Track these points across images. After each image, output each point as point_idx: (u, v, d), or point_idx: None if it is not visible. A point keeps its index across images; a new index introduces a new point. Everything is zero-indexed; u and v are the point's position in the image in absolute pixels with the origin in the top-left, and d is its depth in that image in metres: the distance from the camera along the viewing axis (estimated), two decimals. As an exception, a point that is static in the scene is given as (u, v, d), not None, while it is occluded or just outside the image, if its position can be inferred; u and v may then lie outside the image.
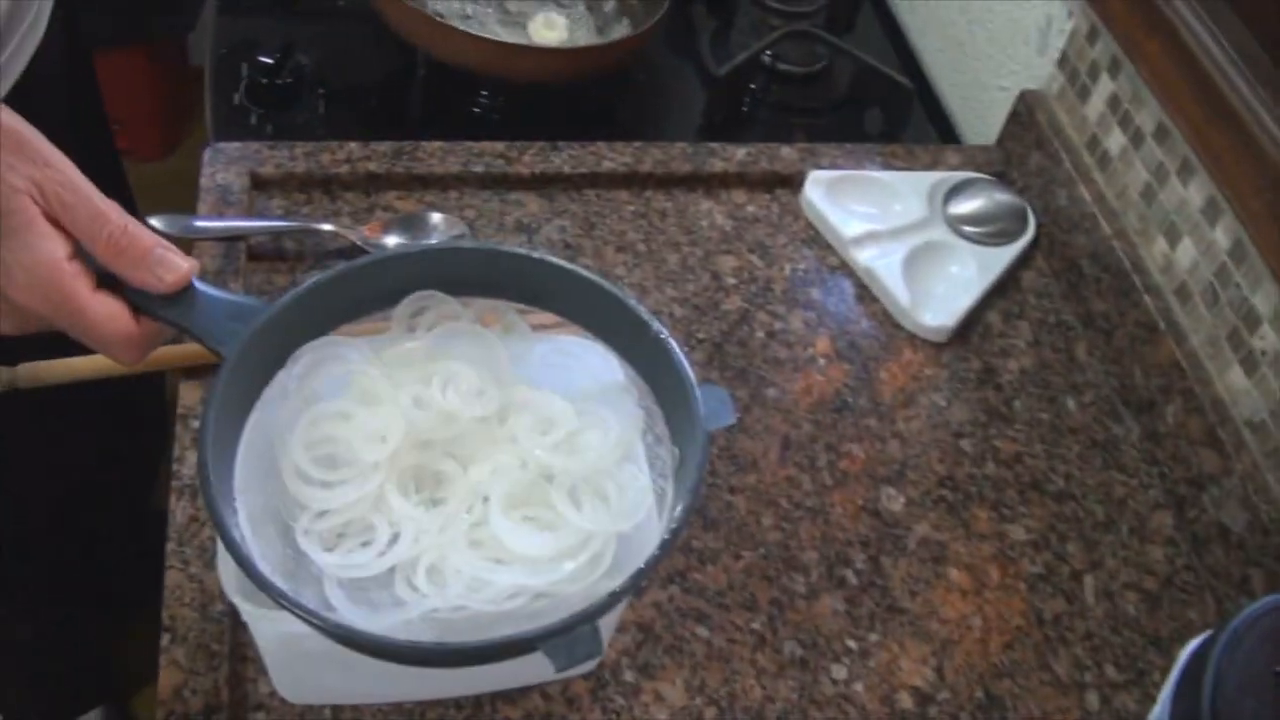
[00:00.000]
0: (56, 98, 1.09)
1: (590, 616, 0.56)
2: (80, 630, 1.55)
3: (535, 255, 0.70)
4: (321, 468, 0.65)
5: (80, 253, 0.62)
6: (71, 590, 1.51)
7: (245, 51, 1.19)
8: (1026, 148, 1.16)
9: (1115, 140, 1.07)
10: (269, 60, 1.17)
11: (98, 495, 1.56)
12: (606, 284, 0.69)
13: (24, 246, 0.60)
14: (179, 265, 0.64)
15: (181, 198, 1.13)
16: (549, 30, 1.25)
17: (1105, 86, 1.08)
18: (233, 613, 0.79)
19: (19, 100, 0.95)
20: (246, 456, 0.64)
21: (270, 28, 1.27)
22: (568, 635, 0.55)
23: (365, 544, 0.63)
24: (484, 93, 1.22)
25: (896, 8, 1.44)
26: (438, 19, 1.15)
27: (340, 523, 0.64)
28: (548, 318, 0.72)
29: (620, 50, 1.20)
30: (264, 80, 1.17)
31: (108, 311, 0.63)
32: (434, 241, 1.02)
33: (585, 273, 0.69)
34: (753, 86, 1.29)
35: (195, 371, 0.91)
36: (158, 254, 0.63)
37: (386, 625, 0.59)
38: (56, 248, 0.61)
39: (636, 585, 0.59)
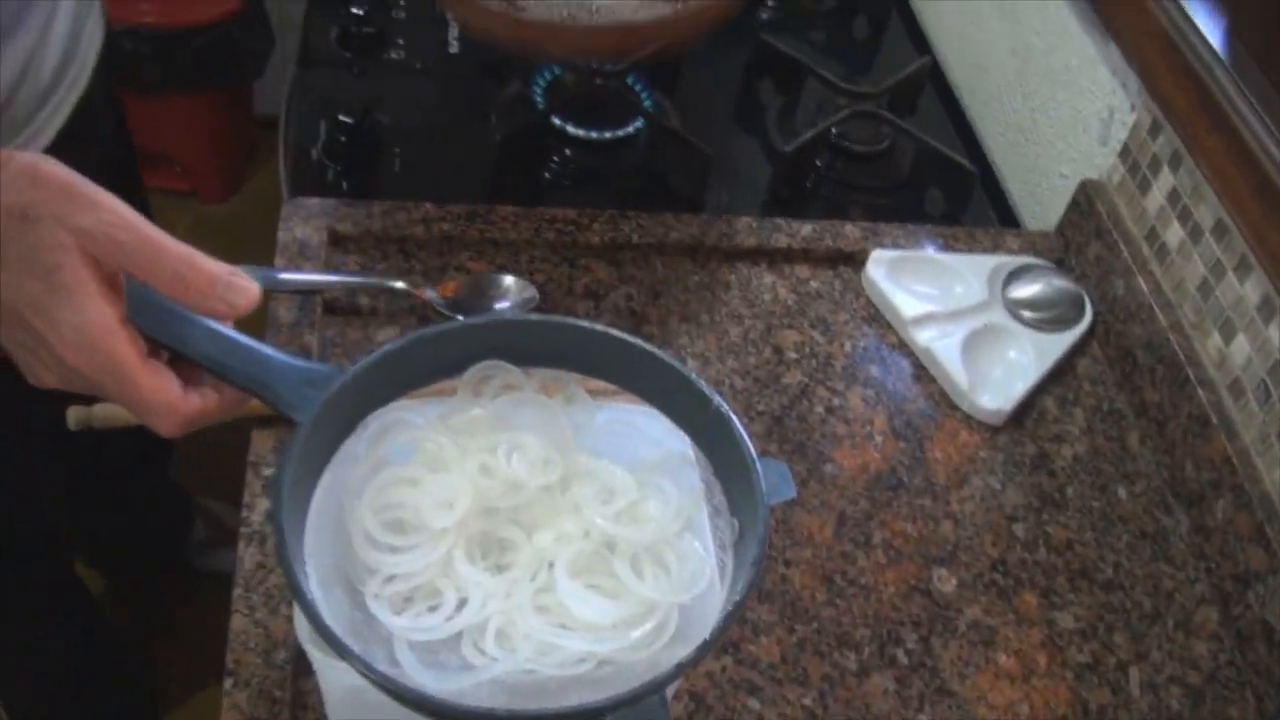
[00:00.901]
0: (96, 145, 1.11)
1: (658, 686, 0.58)
2: (89, 640, 1.57)
3: (598, 329, 0.72)
4: (390, 533, 0.67)
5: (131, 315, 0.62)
6: (75, 597, 1.54)
7: (325, 109, 1.22)
8: (1086, 236, 1.17)
9: (1174, 234, 1.08)
10: (349, 120, 1.21)
11: (98, 498, 1.58)
12: (667, 357, 0.71)
13: (73, 306, 0.59)
14: (248, 288, 0.63)
15: (243, 240, 1.16)
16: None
17: (1165, 180, 1.10)
18: (295, 660, 0.81)
19: (59, 149, 0.98)
20: (316, 520, 0.66)
21: (348, 84, 1.30)
22: (636, 705, 0.57)
23: (433, 608, 0.65)
24: (554, 159, 1.26)
25: (959, 92, 1.46)
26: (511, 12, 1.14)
27: (409, 587, 0.65)
28: (609, 384, 0.74)
29: (702, 19, 1.16)
30: (343, 139, 1.21)
31: (156, 383, 0.62)
32: (505, 304, 1.05)
33: (646, 346, 0.71)
34: (818, 163, 1.31)
35: (267, 420, 0.94)
36: (225, 281, 0.62)
37: (456, 688, 0.61)
38: (108, 310, 0.60)
39: (702, 657, 0.60)
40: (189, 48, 2.18)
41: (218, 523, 1.87)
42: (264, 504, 0.89)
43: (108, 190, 0.61)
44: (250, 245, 1.08)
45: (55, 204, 0.59)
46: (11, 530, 1.31)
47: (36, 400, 0.73)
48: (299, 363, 0.67)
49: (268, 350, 0.67)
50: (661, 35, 1.14)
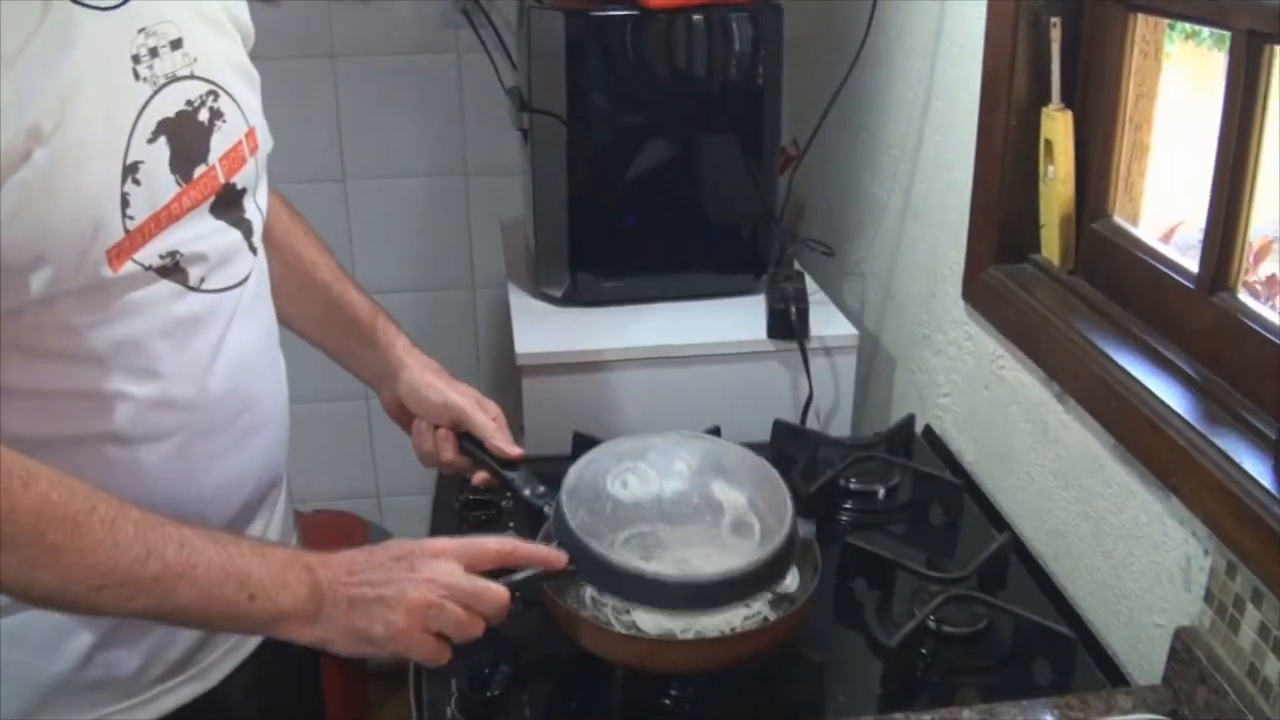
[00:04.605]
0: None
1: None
2: None
3: None
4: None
5: None
6: None
7: (457, 665, 1.31)
8: (1192, 684, 1.21)
9: (1272, 666, 1.12)
10: (481, 673, 1.30)
11: None
12: None
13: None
14: None
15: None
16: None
17: (1253, 616, 1.15)
18: None
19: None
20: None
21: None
22: None
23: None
24: (673, 689, 1.33)
25: (1043, 561, 1.54)
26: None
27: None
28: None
29: (778, 631, 1.29)
30: (474, 691, 1.30)
31: None
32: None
33: None
34: (923, 651, 1.37)
35: None
36: None
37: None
38: None
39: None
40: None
41: None
42: None
43: None
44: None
45: None
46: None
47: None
48: None
49: None
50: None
